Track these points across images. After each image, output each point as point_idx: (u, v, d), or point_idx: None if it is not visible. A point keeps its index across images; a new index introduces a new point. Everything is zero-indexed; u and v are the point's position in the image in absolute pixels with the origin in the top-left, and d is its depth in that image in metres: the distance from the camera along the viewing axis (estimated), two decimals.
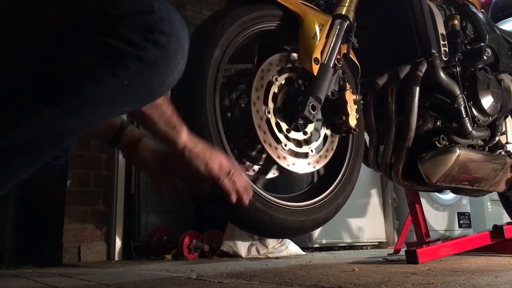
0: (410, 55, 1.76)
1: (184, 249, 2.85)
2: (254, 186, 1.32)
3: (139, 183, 3.42)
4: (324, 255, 2.93)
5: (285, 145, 1.41)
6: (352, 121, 1.48)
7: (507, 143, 2.09)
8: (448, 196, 3.75)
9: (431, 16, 1.76)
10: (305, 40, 1.43)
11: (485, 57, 1.90)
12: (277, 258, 2.72)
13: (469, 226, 3.93)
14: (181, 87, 0.92)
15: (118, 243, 3.09)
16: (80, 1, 0.66)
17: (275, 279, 1.48)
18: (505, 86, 2.10)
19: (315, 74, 1.41)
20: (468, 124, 1.79)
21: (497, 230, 2.18)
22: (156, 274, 1.88)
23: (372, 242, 3.66)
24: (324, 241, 3.32)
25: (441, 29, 1.80)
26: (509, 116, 2.13)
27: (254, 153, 1.47)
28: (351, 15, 1.55)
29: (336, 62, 1.47)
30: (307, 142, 1.48)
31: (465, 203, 3.98)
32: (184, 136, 1.00)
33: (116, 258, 3.06)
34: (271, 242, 2.85)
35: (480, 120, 1.85)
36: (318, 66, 1.42)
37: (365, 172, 2.72)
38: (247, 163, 1.47)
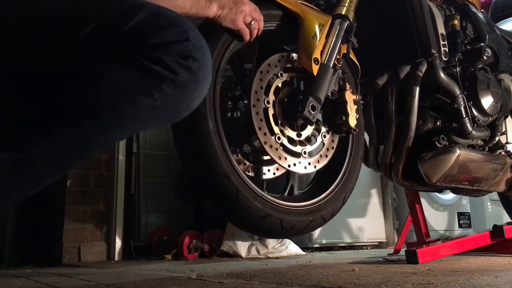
0: (410, 55, 1.76)
1: (184, 249, 2.85)
2: (254, 186, 1.32)
3: (139, 183, 3.43)
4: (324, 255, 2.93)
5: (284, 144, 1.41)
6: (352, 121, 1.47)
7: (507, 143, 2.09)
8: (448, 196, 3.75)
9: (431, 16, 1.75)
10: (305, 40, 1.42)
11: (485, 57, 1.90)
12: (277, 258, 2.72)
13: (469, 226, 3.93)
14: None
15: (118, 243, 3.09)
16: (130, 33, 0.73)
17: (275, 279, 1.48)
18: (505, 86, 2.10)
19: (315, 74, 1.41)
20: (468, 124, 1.79)
21: (497, 230, 2.18)
22: (156, 274, 1.88)
23: (372, 242, 3.66)
24: (324, 241, 3.32)
25: (441, 29, 1.80)
26: (509, 116, 2.13)
27: (254, 154, 1.47)
28: (351, 15, 1.55)
29: (336, 62, 1.47)
30: (306, 143, 1.48)
31: (465, 203, 3.98)
32: (214, 8, 1.11)
33: (116, 258, 3.06)
34: (271, 242, 2.85)
35: (480, 120, 1.85)
36: (318, 66, 1.41)
37: (365, 172, 2.72)
38: (247, 163, 1.47)
